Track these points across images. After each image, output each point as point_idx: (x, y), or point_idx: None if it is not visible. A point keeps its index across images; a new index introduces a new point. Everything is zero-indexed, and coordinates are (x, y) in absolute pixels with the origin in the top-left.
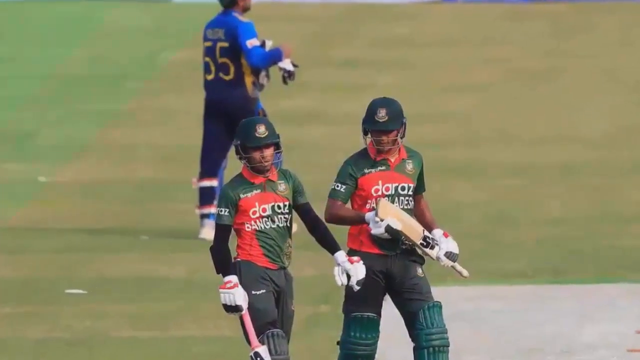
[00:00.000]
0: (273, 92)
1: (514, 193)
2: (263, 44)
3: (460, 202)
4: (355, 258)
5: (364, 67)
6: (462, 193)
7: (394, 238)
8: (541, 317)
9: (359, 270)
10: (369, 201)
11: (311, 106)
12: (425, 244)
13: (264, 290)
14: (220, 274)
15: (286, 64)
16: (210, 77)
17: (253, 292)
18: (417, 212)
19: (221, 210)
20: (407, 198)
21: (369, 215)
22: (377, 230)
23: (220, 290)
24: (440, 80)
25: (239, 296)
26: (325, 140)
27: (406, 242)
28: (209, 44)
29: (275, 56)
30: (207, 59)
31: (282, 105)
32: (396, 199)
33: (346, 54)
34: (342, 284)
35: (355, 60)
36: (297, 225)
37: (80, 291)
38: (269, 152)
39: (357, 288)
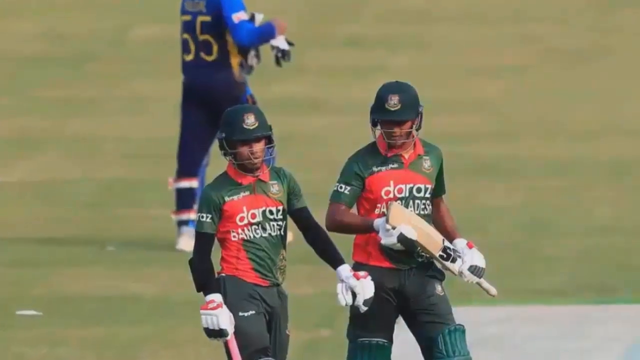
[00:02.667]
0: (264, 76)
1: (553, 196)
2: (252, 18)
3: (488, 206)
4: (362, 273)
5: (372, 46)
6: (490, 196)
7: (408, 249)
8: (584, 343)
9: (366, 288)
10: (379, 205)
11: (309, 92)
12: (445, 256)
13: (253, 312)
14: (202, 292)
15: (280, 41)
16: (189, 57)
17: (240, 314)
18: (435, 219)
19: (202, 216)
20: (423, 201)
21: (378, 222)
22: (388, 239)
23: (202, 311)
24: (464, 62)
25: (224, 318)
26: (327, 132)
27: (423, 254)
28: (187, 17)
29: (266, 33)
30: (186, 36)
31: (275, 91)
32: (411, 202)
33: (351, 31)
34: (346, 304)
35: (362, 38)
36: (293, 234)
37: (35, 312)
38: (259, 146)
39: (364, 308)
